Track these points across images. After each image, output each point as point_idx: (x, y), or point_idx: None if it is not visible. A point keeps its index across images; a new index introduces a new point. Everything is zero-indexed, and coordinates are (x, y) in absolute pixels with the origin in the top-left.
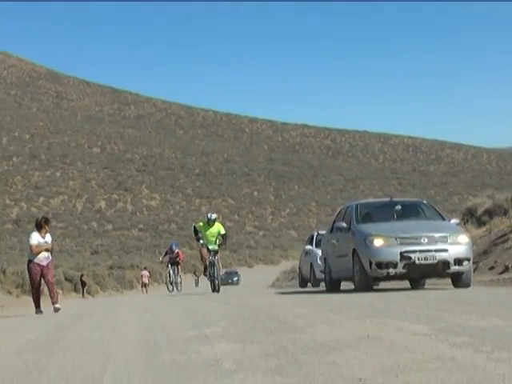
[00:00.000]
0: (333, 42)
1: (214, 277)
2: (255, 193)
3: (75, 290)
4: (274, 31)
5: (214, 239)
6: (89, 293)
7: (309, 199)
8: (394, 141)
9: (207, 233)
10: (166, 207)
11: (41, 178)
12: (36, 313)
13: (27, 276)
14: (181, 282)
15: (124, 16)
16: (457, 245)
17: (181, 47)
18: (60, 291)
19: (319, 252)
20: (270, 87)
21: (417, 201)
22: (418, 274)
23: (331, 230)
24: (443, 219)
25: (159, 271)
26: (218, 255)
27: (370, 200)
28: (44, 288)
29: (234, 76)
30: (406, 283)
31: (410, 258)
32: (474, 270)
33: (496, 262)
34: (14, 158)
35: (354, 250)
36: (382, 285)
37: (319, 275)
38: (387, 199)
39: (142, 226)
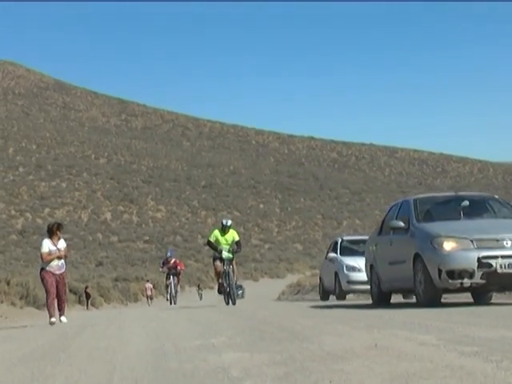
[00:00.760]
0: (340, 56)
1: (229, 288)
2: (261, 205)
3: (79, 302)
4: (281, 44)
5: (228, 247)
6: (93, 305)
7: (315, 212)
8: (400, 154)
9: (222, 240)
10: (172, 219)
11: (47, 188)
12: (50, 323)
13: (32, 287)
14: (176, 293)
15: (132, 28)
16: None
17: (188, 59)
18: None
19: (346, 260)
20: (276, 99)
21: (487, 196)
22: (499, 286)
23: (380, 232)
24: None
25: (165, 283)
26: (234, 262)
27: (430, 194)
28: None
29: (240, 88)
30: (468, 296)
31: (490, 265)
32: None
33: None
34: (21, 168)
35: (417, 255)
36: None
37: (346, 286)
38: (451, 193)
39: (147, 237)
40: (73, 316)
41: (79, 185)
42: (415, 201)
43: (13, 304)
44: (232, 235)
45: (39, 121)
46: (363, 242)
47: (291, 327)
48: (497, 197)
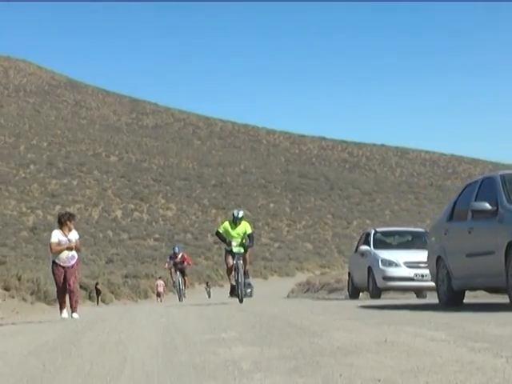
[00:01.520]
0: (351, 57)
1: (237, 284)
2: (271, 204)
3: (90, 298)
4: (292, 44)
5: (239, 240)
6: (103, 301)
7: (325, 212)
8: (411, 155)
9: (233, 233)
10: (182, 217)
11: (58, 186)
12: (61, 319)
13: (42, 283)
14: (185, 289)
15: (144, 26)
16: None
17: (200, 58)
18: None
19: (381, 253)
20: (288, 99)
21: None
22: None
23: (450, 217)
24: None
25: (172, 280)
26: (248, 255)
27: None
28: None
29: (252, 87)
30: None
31: None
32: None
33: None
34: (32, 166)
35: (510, 245)
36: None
37: (381, 283)
38: None
39: (157, 235)
40: (83, 311)
41: (90, 182)
42: (502, 177)
43: (24, 299)
44: (244, 227)
45: (50, 118)
46: (398, 233)
47: (300, 323)
48: None
